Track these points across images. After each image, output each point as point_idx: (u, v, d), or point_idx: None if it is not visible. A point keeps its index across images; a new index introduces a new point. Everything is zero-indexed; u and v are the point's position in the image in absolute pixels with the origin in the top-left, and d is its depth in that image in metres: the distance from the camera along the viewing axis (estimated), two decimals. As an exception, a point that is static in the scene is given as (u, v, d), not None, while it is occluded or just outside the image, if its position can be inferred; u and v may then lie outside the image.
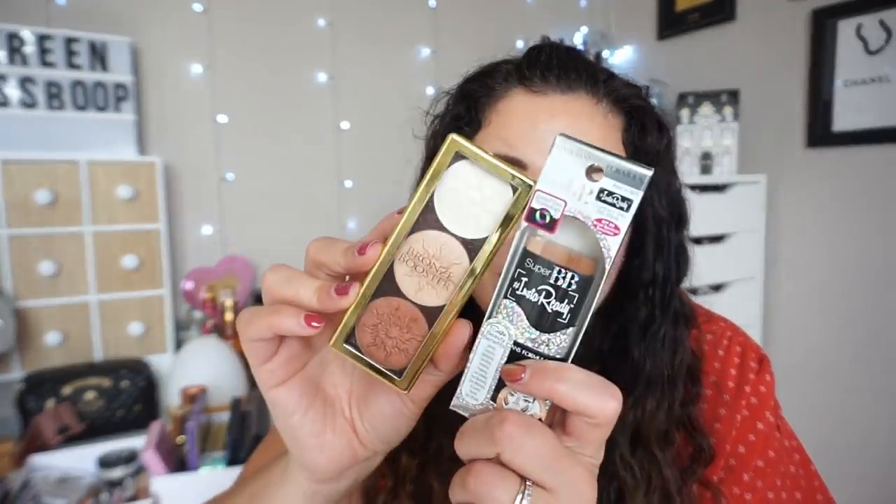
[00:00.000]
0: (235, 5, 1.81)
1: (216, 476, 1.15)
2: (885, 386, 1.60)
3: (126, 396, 1.47)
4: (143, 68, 1.69)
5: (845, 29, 1.62)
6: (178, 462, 1.18)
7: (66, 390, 1.41)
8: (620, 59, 2.33)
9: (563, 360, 0.28)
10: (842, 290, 1.68)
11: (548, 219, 0.27)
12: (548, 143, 0.38)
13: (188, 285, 1.71)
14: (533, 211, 0.27)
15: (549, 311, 0.28)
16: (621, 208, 0.27)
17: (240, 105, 1.83)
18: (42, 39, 1.47)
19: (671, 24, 2.11)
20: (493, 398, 0.29)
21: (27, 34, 1.46)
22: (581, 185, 0.27)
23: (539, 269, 0.27)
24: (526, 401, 0.28)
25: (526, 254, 0.28)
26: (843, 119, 1.64)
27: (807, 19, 1.71)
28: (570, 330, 0.28)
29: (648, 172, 0.27)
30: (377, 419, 0.33)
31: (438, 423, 0.52)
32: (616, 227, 0.27)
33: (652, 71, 2.16)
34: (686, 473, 0.48)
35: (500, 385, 0.29)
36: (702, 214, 1.70)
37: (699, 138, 1.81)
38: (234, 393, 1.39)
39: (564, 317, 0.28)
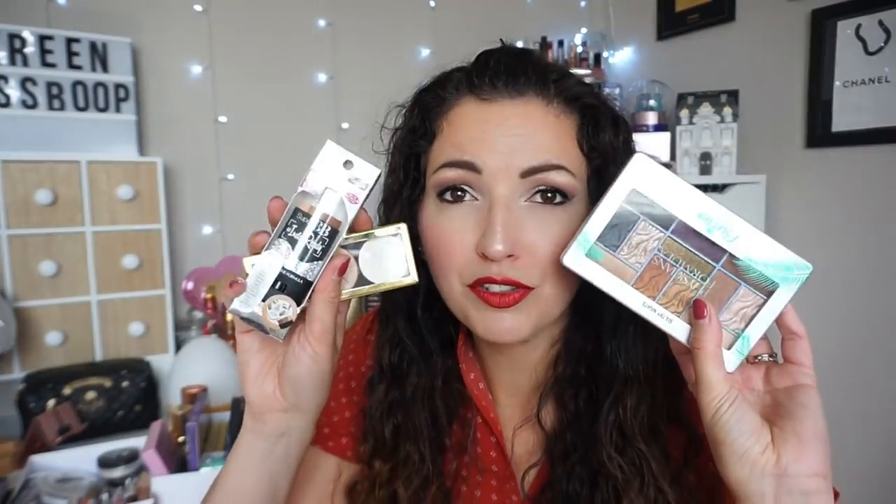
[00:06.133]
0: (235, 5, 1.81)
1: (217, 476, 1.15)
2: (885, 385, 1.60)
3: (126, 396, 1.47)
4: (144, 68, 1.69)
5: (844, 29, 1.62)
6: (178, 462, 1.19)
7: (67, 390, 1.41)
8: (620, 59, 2.33)
9: (308, 280, 0.40)
10: (841, 289, 1.68)
11: (312, 189, 0.40)
12: (500, 146, 0.45)
13: (188, 285, 1.71)
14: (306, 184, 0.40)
15: (310, 248, 0.40)
16: (362, 187, 0.40)
17: (240, 105, 1.83)
18: (43, 40, 1.47)
19: (671, 24, 2.12)
20: (261, 305, 0.40)
21: (28, 35, 1.46)
22: (339, 172, 0.40)
23: (306, 220, 0.40)
24: (283, 308, 0.40)
25: (297, 210, 0.40)
26: (843, 119, 1.64)
27: (806, 20, 1.71)
28: (320, 262, 0.40)
29: (377, 171, 0.41)
30: (292, 371, 0.42)
31: (402, 432, 0.55)
32: (356, 198, 0.40)
33: (652, 71, 2.16)
34: (682, 464, 0.49)
35: (266, 297, 0.40)
36: (701, 214, 1.72)
37: (698, 139, 1.81)
38: (234, 393, 1.40)
39: (318, 252, 0.40)
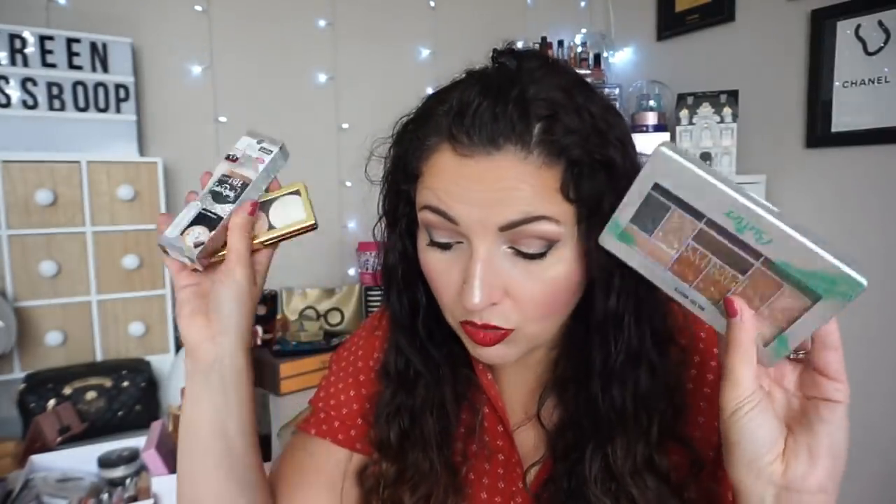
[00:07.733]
0: (235, 5, 1.81)
1: (217, 476, 1.15)
2: (886, 385, 1.60)
3: (127, 396, 1.47)
4: (144, 69, 1.69)
5: (844, 29, 1.63)
6: (178, 462, 1.19)
7: (67, 390, 1.41)
8: (620, 59, 2.33)
9: (221, 216, 0.51)
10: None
11: (232, 158, 0.54)
12: (477, 200, 0.43)
13: (188, 285, 1.71)
14: (229, 155, 0.55)
15: (224, 194, 0.52)
16: (266, 153, 0.55)
17: (240, 105, 1.84)
18: (43, 40, 1.47)
19: (670, 24, 2.12)
20: (181, 234, 0.50)
21: (28, 35, 1.46)
22: (253, 145, 0.56)
23: (225, 178, 0.53)
24: (198, 234, 0.50)
25: (222, 174, 0.53)
26: (842, 119, 1.65)
27: (806, 20, 1.71)
28: (231, 205, 0.52)
29: (279, 143, 0.57)
30: (216, 293, 0.50)
31: (410, 437, 0.55)
32: (261, 160, 0.55)
33: (651, 71, 2.17)
34: (681, 483, 0.49)
35: (187, 228, 0.50)
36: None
37: (698, 139, 1.81)
38: (234, 393, 1.40)
39: (231, 198, 0.52)
